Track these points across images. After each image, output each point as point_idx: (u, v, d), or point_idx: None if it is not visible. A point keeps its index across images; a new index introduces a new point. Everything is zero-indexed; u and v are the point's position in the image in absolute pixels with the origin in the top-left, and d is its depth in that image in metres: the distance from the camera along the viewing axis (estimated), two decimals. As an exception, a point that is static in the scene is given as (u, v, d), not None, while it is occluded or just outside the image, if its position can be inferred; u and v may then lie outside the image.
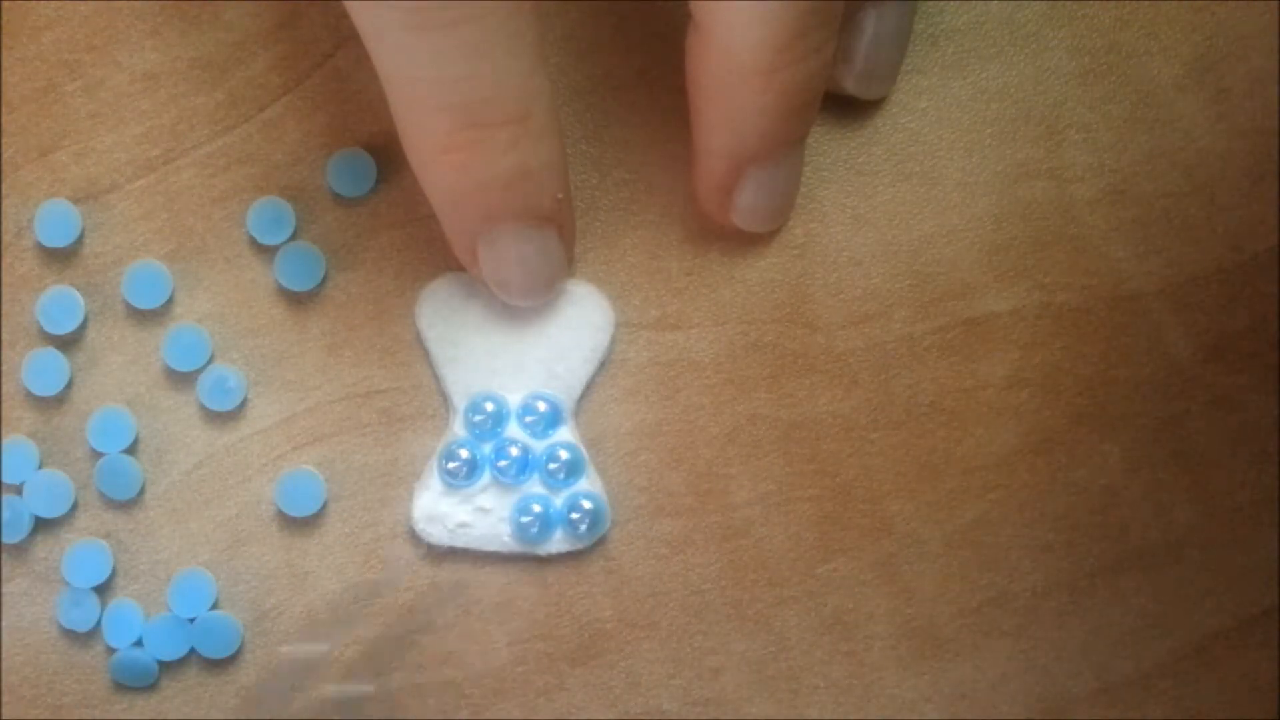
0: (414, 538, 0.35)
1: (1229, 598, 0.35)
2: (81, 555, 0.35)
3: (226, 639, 0.35)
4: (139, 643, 0.35)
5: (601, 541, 0.35)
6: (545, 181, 0.32)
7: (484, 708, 0.35)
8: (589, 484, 0.35)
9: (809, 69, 0.31)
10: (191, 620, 0.35)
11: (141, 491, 0.35)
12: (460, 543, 0.35)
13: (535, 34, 0.31)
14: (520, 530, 0.34)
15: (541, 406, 0.35)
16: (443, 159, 0.32)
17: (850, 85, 0.35)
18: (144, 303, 0.35)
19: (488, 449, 0.35)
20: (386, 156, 0.35)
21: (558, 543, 0.35)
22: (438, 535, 0.35)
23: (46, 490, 0.35)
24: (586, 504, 0.34)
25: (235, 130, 0.36)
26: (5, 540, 0.35)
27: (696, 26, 0.32)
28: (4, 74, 0.36)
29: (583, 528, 0.34)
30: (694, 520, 0.35)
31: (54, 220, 0.35)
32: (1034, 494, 0.35)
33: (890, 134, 0.36)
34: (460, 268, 0.34)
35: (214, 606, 0.35)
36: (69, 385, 0.35)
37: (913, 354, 0.35)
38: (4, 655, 0.35)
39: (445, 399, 0.35)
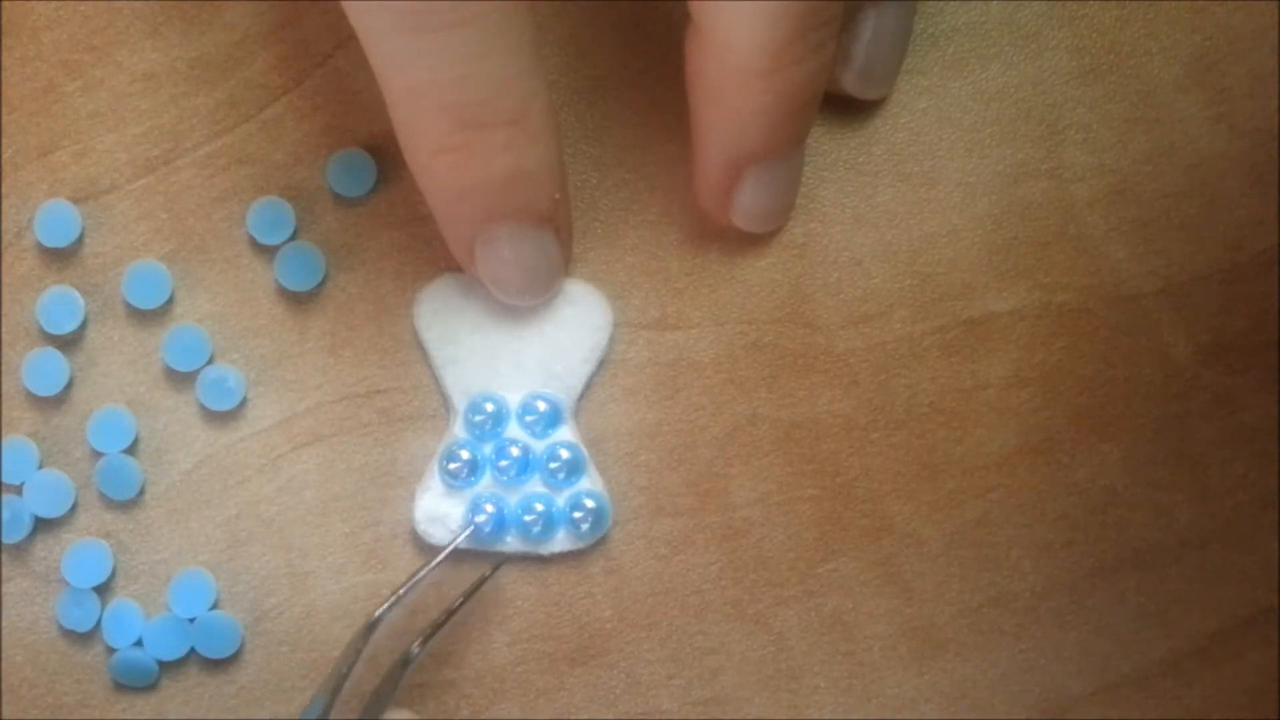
0: (416, 538, 0.35)
1: (1229, 598, 0.35)
2: (81, 555, 0.35)
3: (226, 639, 0.35)
4: (139, 643, 0.35)
5: (602, 541, 0.35)
6: (542, 182, 0.32)
7: (484, 708, 0.35)
8: (590, 483, 0.35)
9: (809, 69, 0.31)
10: (191, 620, 0.35)
11: (141, 491, 0.35)
12: (463, 544, 0.35)
13: (532, 35, 0.31)
14: (523, 530, 0.34)
15: (541, 406, 0.35)
16: (440, 159, 0.32)
17: (850, 85, 0.35)
18: (144, 303, 0.35)
19: (488, 449, 0.35)
20: (386, 156, 0.35)
21: (560, 542, 0.35)
22: (440, 536, 0.35)
23: (46, 490, 0.35)
24: (589, 503, 0.34)
25: (235, 130, 0.36)
26: (5, 540, 0.35)
27: (696, 27, 0.32)
28: (4, 74, 0.36)
29: (585, 526, 0.34)
30: (694, 520, 0.35)
31: (54, 220, 0.35)
32: (1034, 494, 0.35)
33: (890, 134, 0.36)
34: (459, 268, 0.34)
35: (214, 606, 0.35)
36: (69, 385, 0.35)
37: (913, 354, 0.35)
38: (4, 655, 0.35)
39: (445, 400, 0.35)
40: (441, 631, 0.34)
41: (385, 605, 0.33)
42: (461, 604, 0.34)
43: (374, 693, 0.33)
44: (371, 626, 0.33)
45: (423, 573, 0.34)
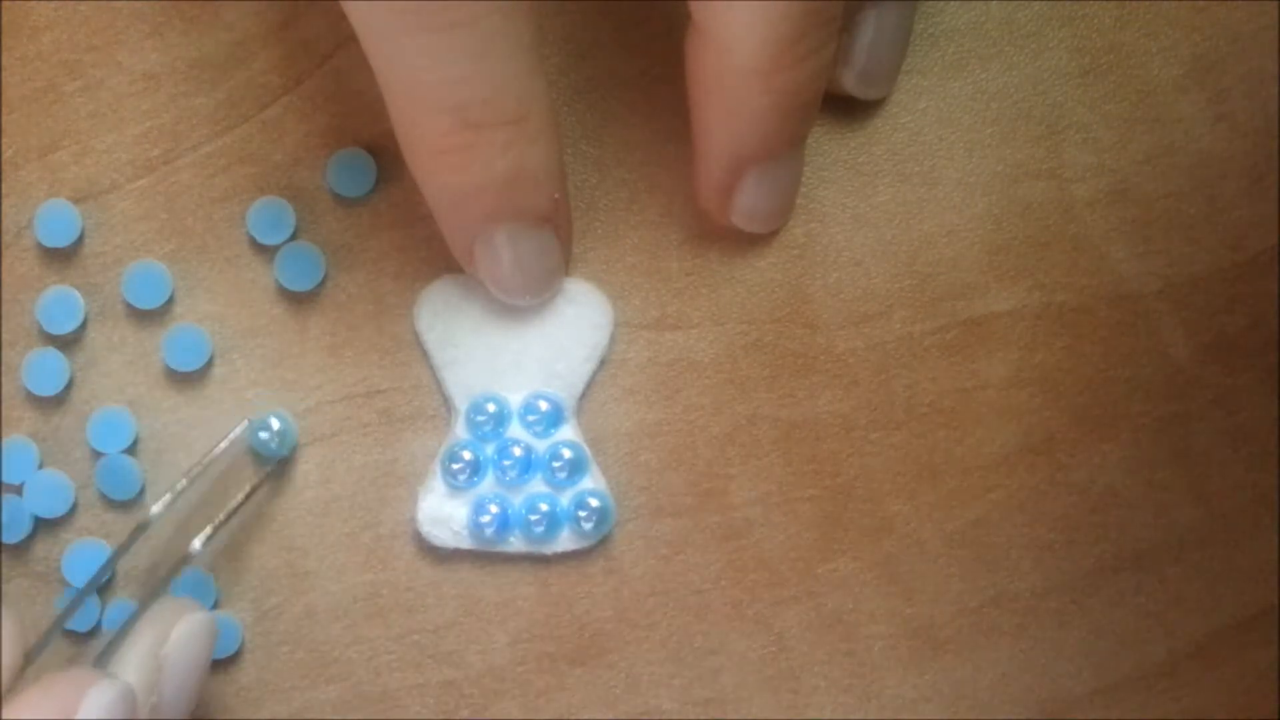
0: (417, 538, 0.35)
1: (1229, 598, 0.35)
2: (81, 555, 0.35)
3: (226, 639, 0.35)
4: (139, 643, 0.35)
5: (602, 541, 0.35)
6: (542, 182, 0.32)
7: (484, 708, 0.35)
8: (593, 482, 0.35)
9: (809, 70, 0.31)
10: (191, 620, 0.35)
11: (141, 491, 0.35)
12: (466, 544, 0.35)
13: (532, 35, 0.31)
14: (527, 530, 0.34)
15: (543, 406, 0.35)
16: (440, 160, 0.32)
17: (850, 85, 0.35)
18: (144, 303, 0.35)
19: (490, 450, 0.35)
20: (386, 156, 0.35)
21: (564, 541, 0.35)
22: (443, 537, 0.35)
23: (46, 490, 0.35)
24: (594, 502, 0.34)
25: (235, 130, 0.36)
26: (5, 540, 0.35)
27: (696, 27, 0.32)
28: (4, 74, 0.36)
29: (590, 526, 0.34)
30: (694, 520, 0.35)
31: (54, 220, 0.35)
32: (1034, 494, 0.35)
33: (890, 134, 0.36)
34: (459, 269, 0.34)
35: (214, 606, 0.35)
36: (69, 385, 0.35)
37: (913, 354, 0.35)
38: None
39: (446, 400, 0.35)
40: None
41: (159, 504, 0.33)
42: (244, 501, 0.34)
43: (152, 587, 0.32)
44: (142, 528, 0.33)
45: (196, 470, 0.34)
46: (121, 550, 0.33)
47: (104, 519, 0.35)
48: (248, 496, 0.34)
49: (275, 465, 0.35)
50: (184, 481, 0.33)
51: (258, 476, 0.34)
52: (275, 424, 0.34)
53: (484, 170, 0.32)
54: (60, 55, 0.36)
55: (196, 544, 0.33)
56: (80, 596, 0.33)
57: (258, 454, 0.35)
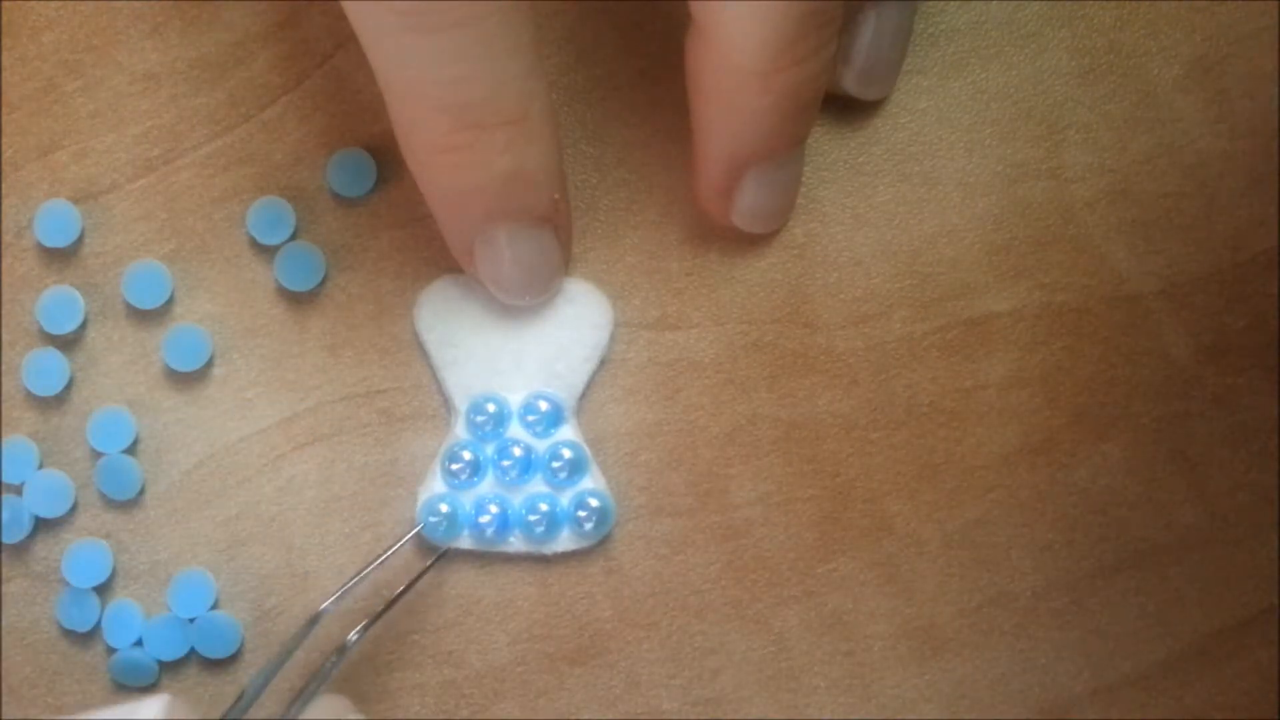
0: (417, 538, 0.35)
1: (1229, 598, 0.35)
2: (81, 555, 0.35)
3: (226, 639, 0.35)
4: (139, 643, 0.35)
5: (602, 541, 0.35)
6: (542, 182, 0.32)
7: (484, 708, 0.35)
8: (593, 482, 0.35)
9: (809, 70, 0.31)
10: (191, 620, 0.35)
11: (141, 491, 0.35)
12: (466, 544, 0.35)
13: (532, 36, 0.31)
14: (527, 530, 0.34)
15: (543, 406, 0.35)
16: (440, 159, 0.32)
17: (850, 85, 0.35)
18: (144, 303, 0.35)
19: (490, 450, 0.35)
20: (386, 156, 0.35)
21: (564, 541, 0.35)
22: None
23: (46, 490, 0.35)
24: (594, 502, 0.34)
25: (235, 130, 0.36)
26: (5, 540, 0.35)
27: (696, 28, 0.32)
28: (4, 74, 0.36)
29: (589, 526, 0.34)
30: (694, 520, 0.35)
31: (54, 220, 0.35)
32: (1034, 494, 0.35)
33: (890, 134, 0.36)
34: (459, 269, 0.34)
35: (214, 606, 0.35)
36: (69, 385, 0.35)
37: (913, 354, 0.35)
38: (4, 655, 0.35)
39: (446, 400, 0.35)
40: (382, 620, 0.34)
41: (330, 599, 0.33)
42: (402, 593, 0.34)
43: (310, 679, 0.32)
44: (314, 620, 0.33)
45: (369, 568, 0.34)
46: (294, 644, 0.33)
47: (104, 519, 0.35)
48: (409, 587, 0.34)
49: (443, 552, 0.35)
50: (357, 576, 0.34)
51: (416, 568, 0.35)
52: (444, 508, 0.34)
53: (483, 170, 0.32)
54: (60, 55, 0.36)
55: (353, 636, 0.33)
56: (262, 684, 0.33)
57: (425, 539, 0.35)
